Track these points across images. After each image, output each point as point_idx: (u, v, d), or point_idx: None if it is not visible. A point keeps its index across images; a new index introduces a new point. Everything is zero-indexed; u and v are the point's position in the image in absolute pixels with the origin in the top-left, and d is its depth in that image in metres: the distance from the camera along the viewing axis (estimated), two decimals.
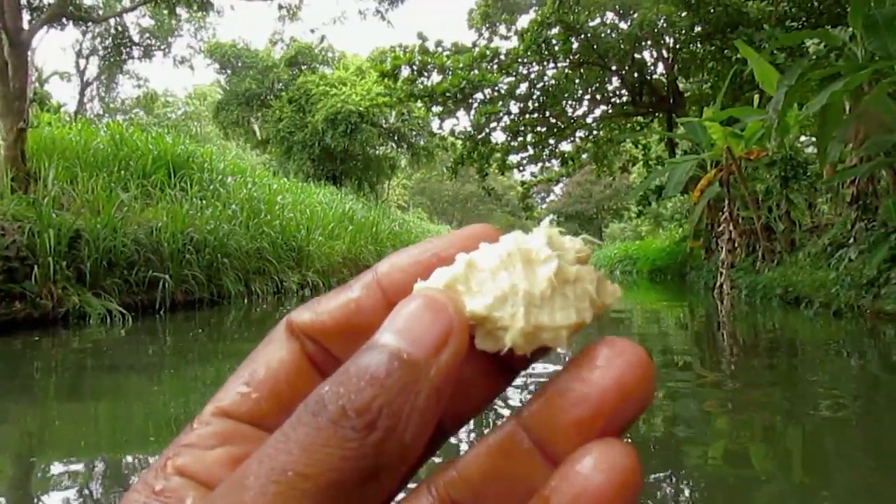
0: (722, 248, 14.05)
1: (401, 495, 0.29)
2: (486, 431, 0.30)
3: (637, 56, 22.74)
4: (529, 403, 0.29)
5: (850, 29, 9.71)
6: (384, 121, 33.71)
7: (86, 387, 5.39)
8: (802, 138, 14.07)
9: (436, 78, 23.18)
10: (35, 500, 2.98)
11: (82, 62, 34.78)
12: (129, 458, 3.56)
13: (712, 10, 18.39)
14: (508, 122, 24.45)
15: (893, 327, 7.83)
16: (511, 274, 0.29)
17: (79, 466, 3.40)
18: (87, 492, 3.02)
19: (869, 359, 6.52)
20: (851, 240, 10.21)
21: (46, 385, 5.48)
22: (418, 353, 0.25)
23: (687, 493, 3.00)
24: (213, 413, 0.30)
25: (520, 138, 25.05)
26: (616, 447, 0.26)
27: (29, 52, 10.43)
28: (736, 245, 13.96)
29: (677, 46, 22.12)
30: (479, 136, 24.63)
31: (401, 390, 0.25)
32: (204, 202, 12.90)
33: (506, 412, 3.83)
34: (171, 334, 8.71)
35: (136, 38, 27.95)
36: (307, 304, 0.31)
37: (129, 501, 0.28)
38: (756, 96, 14.16)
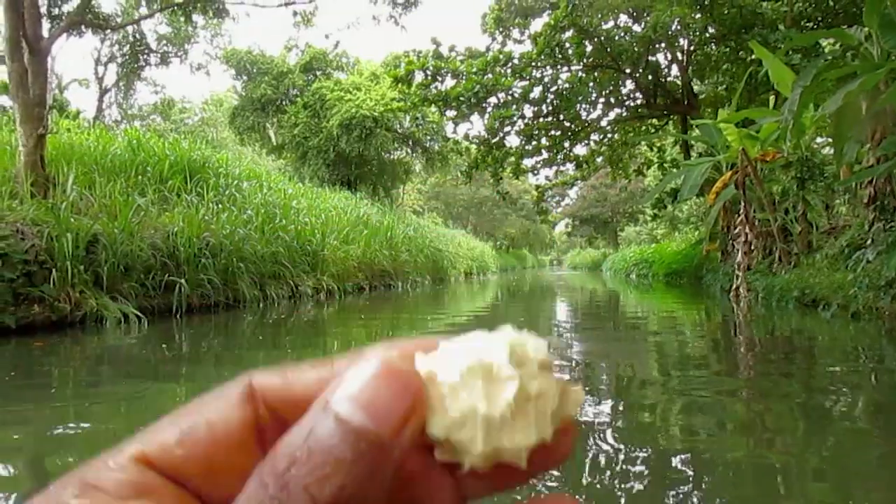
0: (738, 250, 13.97)
1: None
2: None
3: (651, 58, 22.67)
4: None
5: (866, 28, 9.64)
6: (398, 125, 33.82)
7: (102, 390, 5.45)
8: (819, 139, 13.97)
9: (450, 82, 23.24)
10: None
11: (101, 69, 35.18)
12: None
13: (726, 12, 18.30)
14: (522, 126, 24.46)
15: None
16: (471, 393, 0.27)
17: None
18: None
19: (889, 364, 6.45)
20: (869, 241, 10.12)
21: (63, 388, 5.54)
22: (384, 432, 0.24)
23: None
24: (135, 457, 0.27)
25: (534, 142, 25.05)
26: None
27: (49, 60, 10.57)
28: (752, 247, 13.88)
29: (691, 48, 22.03)
30: (494, 141, 24.65)
31: (368, 474, 0.23)
32: (220, 207, 13.01)
33: None
34: (187, 338, 8.78)
35: (153, 45, 28.23)
36: (274, 370, 0.29)
37: None
38: (771, 97, 14.09)
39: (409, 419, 0.25)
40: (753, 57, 13.59)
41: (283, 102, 34.90)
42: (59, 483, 0.27)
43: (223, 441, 0.28)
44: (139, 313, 9.10)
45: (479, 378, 0.28)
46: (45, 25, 11.98)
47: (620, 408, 4.46)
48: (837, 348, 7.59)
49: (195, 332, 9.12)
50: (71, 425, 4.32)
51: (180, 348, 7.84)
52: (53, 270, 8.34)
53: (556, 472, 3.21)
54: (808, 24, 17.55)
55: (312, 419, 0.24)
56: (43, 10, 12.22)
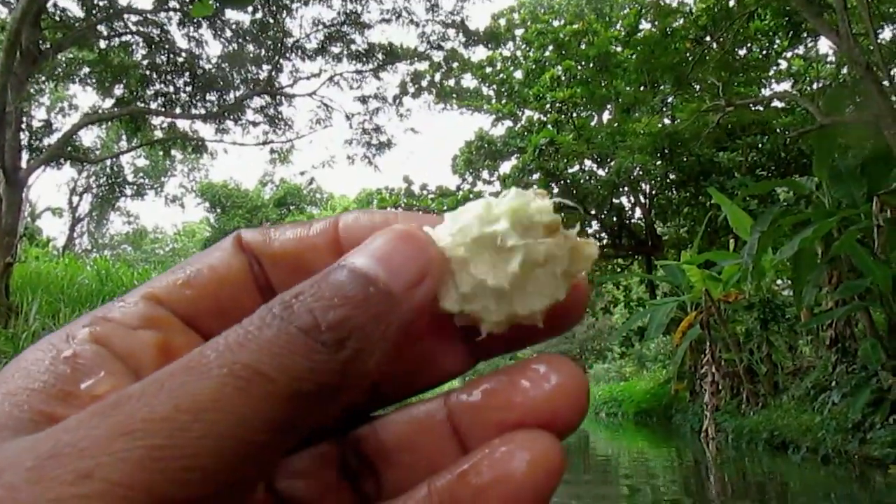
0: (706, 390, 13.96)
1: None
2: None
3: (615, 201, 23.55)
4: (461, 390, 0.29)
5: (816, 178, 10.19)
6: None
7: None
8: (779, 281, 14.38)
9: None
10: None
11: (75, 199, 35.48)
12: None
13: (685, 160, 19.28)
14: None
15: (882, 474, 7.69)
16: (478, 267, 0.28)
17: None
18: None
19: None
20: (833, 383, 10.21)
21: None
22: (394, 285, 0.25)
23: None
24: (144, 296, 0.29)
25: None
26: (545, 438, 0.26)
27: (24, 189, 10.68)
28: (720, 387, 13.88)
29: (653, 192, 22.98)
30: None
31: (373, 317, 0.24)
32: None
33: None
34: None
35: (130, 178, 28.73)
36: (259, 227, 0.32)
37: (28, 361, 0.26)
38: (731, 241, 14.59)
39: (421, 280, 0.26)
40: (712, 202, 14.18)
41: None
42: (72, 321, 0.28)
43: (227, 280, 0.30)
44: None
45: (485, 250, 0.28)
46: (25, 157, 12.20)
47: None
48: (811, 496, 7.47)
49: None
50: None
51: None
52: None
53: None
54: (762, 173, 18.52)
55: (325, 271, 0.25)
56: (24, 142, 12.47)
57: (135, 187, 27.70)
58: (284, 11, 16.60)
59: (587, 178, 22.86)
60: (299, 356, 0.22)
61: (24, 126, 12.47)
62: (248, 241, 0.31)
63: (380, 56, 19.08)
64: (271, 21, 16.76)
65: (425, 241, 0.27)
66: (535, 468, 0.25)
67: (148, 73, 16.00)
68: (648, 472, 9.75)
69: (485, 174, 25.71)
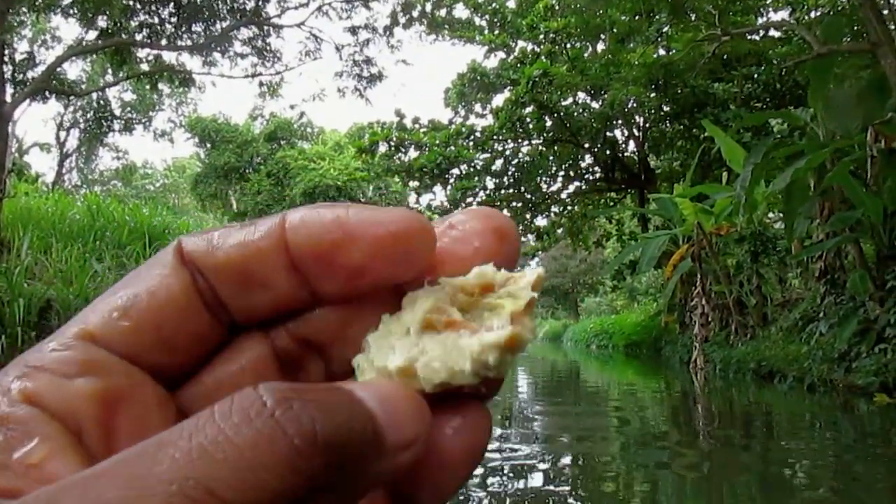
0: (695, 322, 14.17)
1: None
2: None
3: (608, 134, 23.36)
4: None
5: (811, 109, 10.11)
6: (362, 195, 34.08)
7: None
8: (770, 214, 14.43)
9: (413, 154, 23.59)
10: None
11: (63, 134, 34.97)
12: None
13: (679, 92, 19.06)
14: (484, 197, 24.81)
15: (866, 402, 7.89)
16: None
17: None
18: None
19: (845, 438, 6.52)
20: (821, 314, 10.37)
21: None
22: (389, 436, 0.23)
23: None
24: (78, 335, 0.26)
25: None
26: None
27: (10, 124, 10.51)
28: (709, 319, 14.09)
29: (647, 125, 22.78)
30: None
31: (360, 457, 0.22)
32: None
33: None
34: None
35: (117, 112, 28.23)
36: (202, 231, 0.29)
37: None
38: (724, 173, 14.57)
39: (411, 445, 0.24)
40: (706, 134, 14.09)
41: (247, 170, 34.98)
42: (4, 369, 0.25)
43: (168, 306, 0.27)
44: None
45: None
46: (9, 90, 11.94)
47: (583, 483, 4.41)
48: (795, 423, 7.65)
49: None
50: None
51: None
52: (3, 336, 8.10)
53: None
54: (756, 104, 18.35)
55: (327, 387, 0.23)
56: (7, 75, 12.19)
57: (123, 122, 27.23)
58: None
59: (581, 110, 22.62)
60: (275, 474, 0.20)
61: (6, 59, 12.19)
62: (189, 252, 0.27)
63: None
64: None
65: (426, 410, 0.25)
66: None
67: (131, 3, 15.55)
68: (637, 401, 9.96)
69: (477, 107, 25.41)
